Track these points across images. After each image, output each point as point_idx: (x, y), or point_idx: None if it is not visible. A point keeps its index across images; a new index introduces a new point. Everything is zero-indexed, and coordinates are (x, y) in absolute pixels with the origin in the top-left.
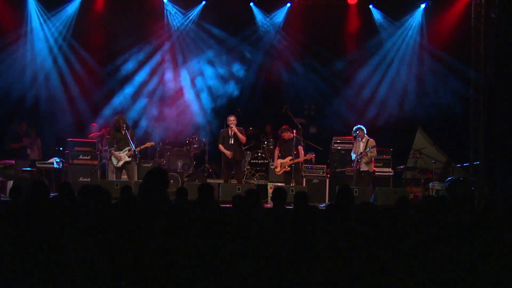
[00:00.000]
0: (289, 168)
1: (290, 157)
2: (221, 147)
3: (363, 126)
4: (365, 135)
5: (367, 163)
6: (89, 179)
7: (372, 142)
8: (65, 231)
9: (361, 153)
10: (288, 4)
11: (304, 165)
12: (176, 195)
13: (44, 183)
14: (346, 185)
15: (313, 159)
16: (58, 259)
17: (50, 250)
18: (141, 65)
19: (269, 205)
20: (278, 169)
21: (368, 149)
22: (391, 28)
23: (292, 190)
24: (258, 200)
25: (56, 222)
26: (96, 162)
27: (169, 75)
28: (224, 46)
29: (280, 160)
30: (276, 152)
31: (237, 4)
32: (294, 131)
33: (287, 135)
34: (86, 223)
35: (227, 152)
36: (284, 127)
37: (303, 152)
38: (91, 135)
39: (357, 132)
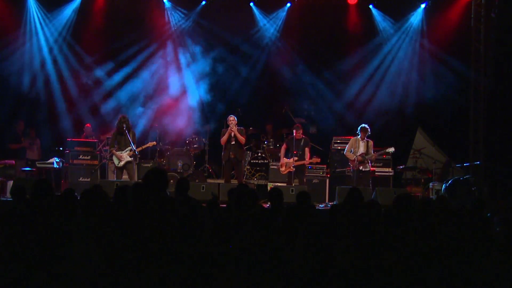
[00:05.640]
0: (293, 169)
1: (296, 158)
2: (223, 138)
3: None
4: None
5: (364, 163)
6: (89, 179)
7: (371, 143)
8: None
9: (362, 154)
10: (288, 4)
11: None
12: (176, 188)
13: (47, 182)
14: (356, 188)
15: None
16: (60, 259)
17: (52, 250)
18: (140, 65)
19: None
20: (283, 168)
21: (373, 151)
22: (391, 28)
23: (292, 190)
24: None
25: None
26: (96, 162)
27: (168, 75)
28: (224, 46)
29: (285, 160)
30: (283, 149)
31: (237, 4)
32: (294, 131)
33: (298, 134)
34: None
35: (229, 132)
36: (297, 125)
37: (309, 154)
38: (105, 135)
39: (364, 131)
